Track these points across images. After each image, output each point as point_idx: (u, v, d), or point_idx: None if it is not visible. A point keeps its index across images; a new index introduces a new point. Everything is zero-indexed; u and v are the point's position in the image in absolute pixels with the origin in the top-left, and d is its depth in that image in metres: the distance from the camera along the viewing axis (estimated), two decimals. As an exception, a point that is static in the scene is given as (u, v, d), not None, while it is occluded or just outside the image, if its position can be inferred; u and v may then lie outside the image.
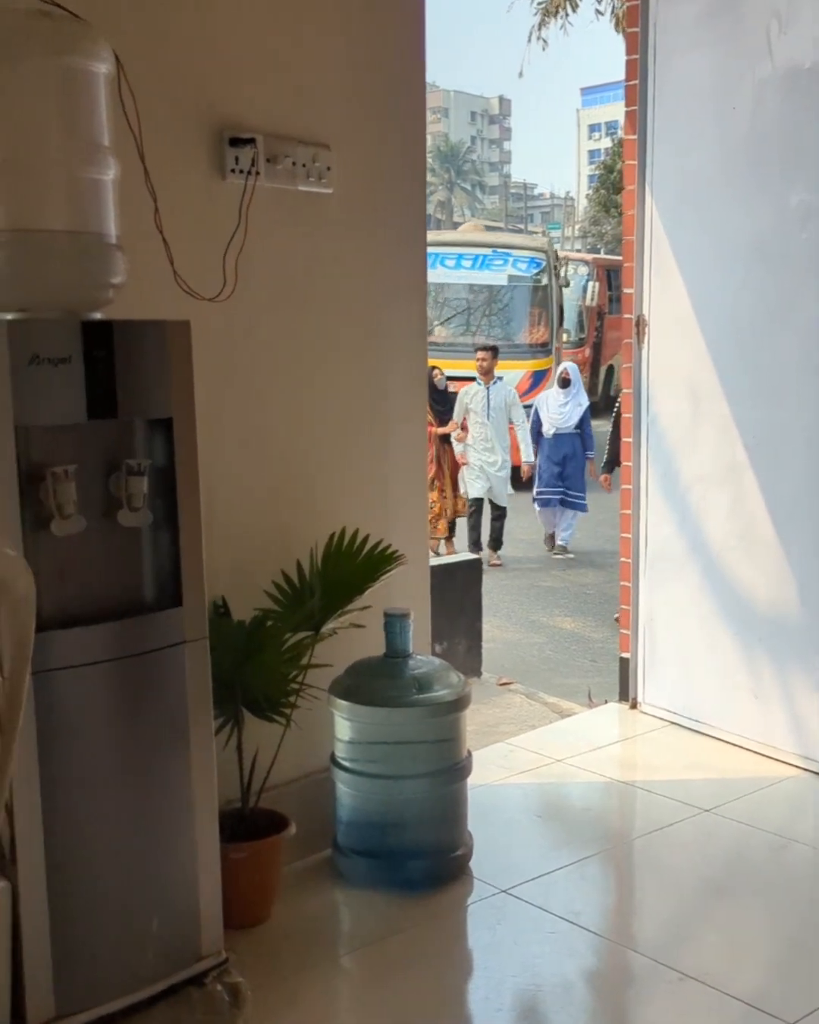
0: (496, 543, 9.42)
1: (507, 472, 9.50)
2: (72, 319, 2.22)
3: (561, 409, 9.57)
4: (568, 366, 10.03)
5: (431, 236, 16.50)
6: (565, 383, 9.61)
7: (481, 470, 9.46)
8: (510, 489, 9.60)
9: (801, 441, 3.85)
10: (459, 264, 14.75)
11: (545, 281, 14.64)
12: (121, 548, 2.35)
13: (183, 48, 2.81)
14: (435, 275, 14.26)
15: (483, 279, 14.68)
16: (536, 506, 9.75)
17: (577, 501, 9.54)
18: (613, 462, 7.64)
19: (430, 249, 14.75)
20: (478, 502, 9.54)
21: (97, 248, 2.24)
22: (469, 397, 9.55)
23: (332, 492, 3.23)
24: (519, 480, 9.81)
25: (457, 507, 9.41)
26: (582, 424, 9.56)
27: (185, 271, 2.69)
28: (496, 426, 9.45)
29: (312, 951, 2.81)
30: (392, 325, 3.33)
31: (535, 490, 9.73)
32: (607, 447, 8.14)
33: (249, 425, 3.03)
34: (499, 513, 9.53)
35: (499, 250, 14.96)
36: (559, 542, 9.70)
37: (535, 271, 14.70)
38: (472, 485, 9.50)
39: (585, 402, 9.69)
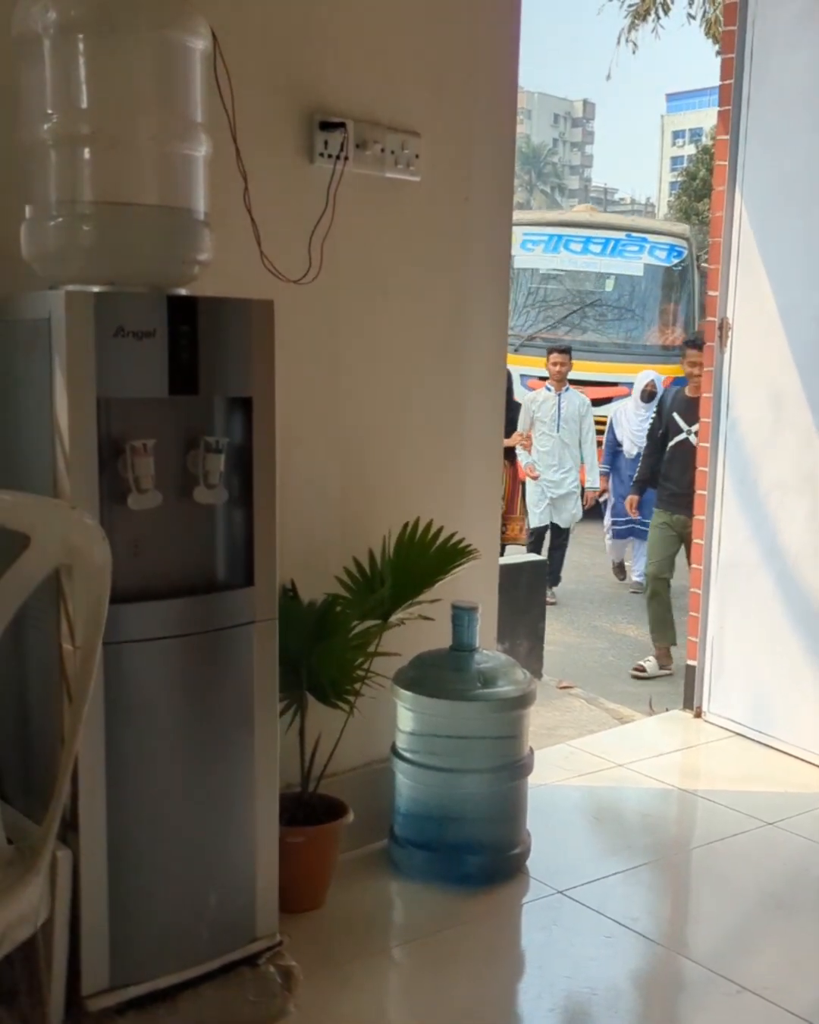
0: (554, 577, 8.12)
1: (575, 487, 8.34)
2: (158, 294, 2.23)
3: (643, 425, 8.07)
4: (654, 376, 8.84)
5: (553, 215, 14.43)
6: (650, 396, 8.44)
7: (543, 492, 8.30)
8: (578, 509, 8.40)
9: (885, 451, 3.77)
10: (586, 249, 12.77)
11: (687, 273, 12.67)
12: (195, 525, 2.35)
13: (278, 28, 2.81)
14: (558, 260, 12.69)
15: (615, 267, 12.65)
16: (609, 539, 8.70)
17: (645, 529, 8.09)
18: (644, 482, 6.89)
19: (553, 230, 13.33)
20: (540, 531, 8.33)
21: (186, 224, 2.24)
22: (537, 405, 8.34)
23: (406, 481, 3.21)
24: (589, 508, 8.59)
25: (512, 530, 7.95)
26: None
27: (271, 252, 2.69)
28: (566, 440, 8.27)
29: (365, 940, 2.79)
30: (474, 317, 3.31)
31: (608, 519, 8.71)
32: (638, 465, 7.09)
33: (327, 409, 3.03)
34: (560, 540, 8.39)
35: (634, 234, 12.91)
36: (634, 577, 8.48)
37: (675, 260, 12.64)
38: (532, 511, 8.32)
39: None
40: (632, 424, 8.55)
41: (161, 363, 2.19)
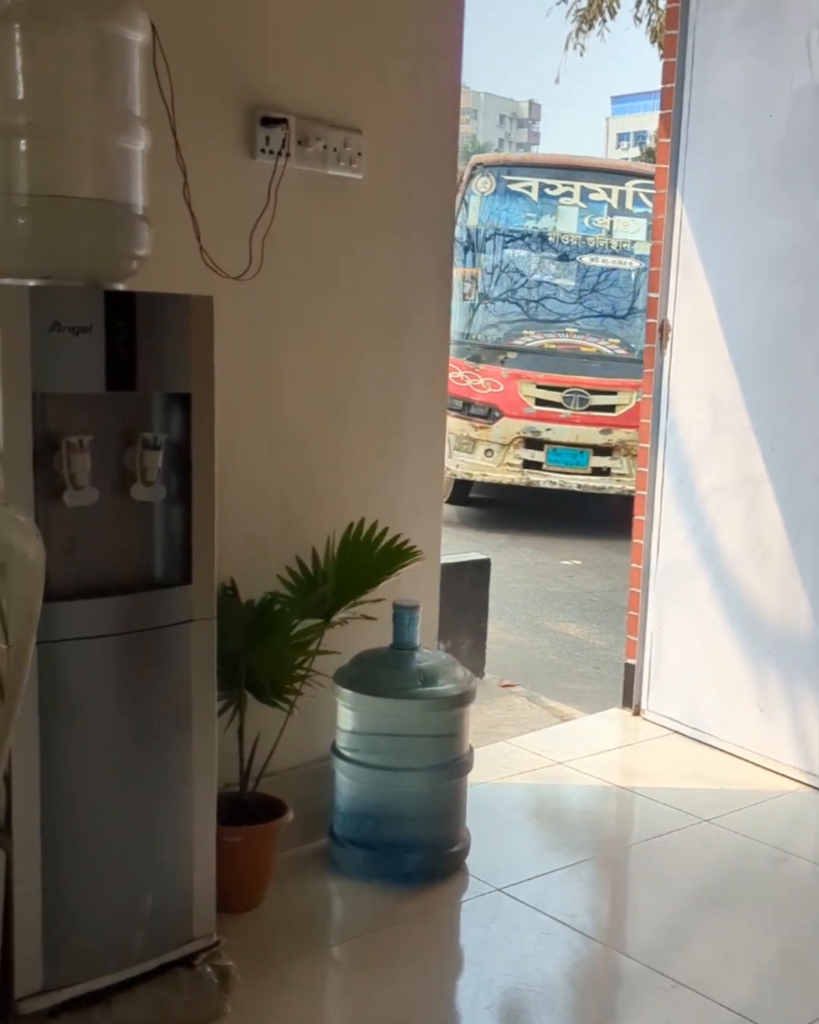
0: None
1: None
2: (95, 288, 2.20)
3: None
4: None
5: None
6: None
7: None
8: None
9: (821, 454, 3.81)
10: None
11: None
12: (132, 522, 2.33)
13: (219, 23, 2.79)
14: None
15: None
16: None
17: None
18: None
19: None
20: None
21: (124, 218, 2.22)
22: None
23: (347, 479, 3.20)
24: None
25: None
26: None
27: (211, 248, 2.67)
28: None
29: (303, 939, 2.78)
30: (416, 315, 3.31)
31: None
32: None
33: (266, 406, 3.01)
34: None
35: None
36: None
37: None
38: None
39: None
40: None
41: (98, 359, 2.17)
